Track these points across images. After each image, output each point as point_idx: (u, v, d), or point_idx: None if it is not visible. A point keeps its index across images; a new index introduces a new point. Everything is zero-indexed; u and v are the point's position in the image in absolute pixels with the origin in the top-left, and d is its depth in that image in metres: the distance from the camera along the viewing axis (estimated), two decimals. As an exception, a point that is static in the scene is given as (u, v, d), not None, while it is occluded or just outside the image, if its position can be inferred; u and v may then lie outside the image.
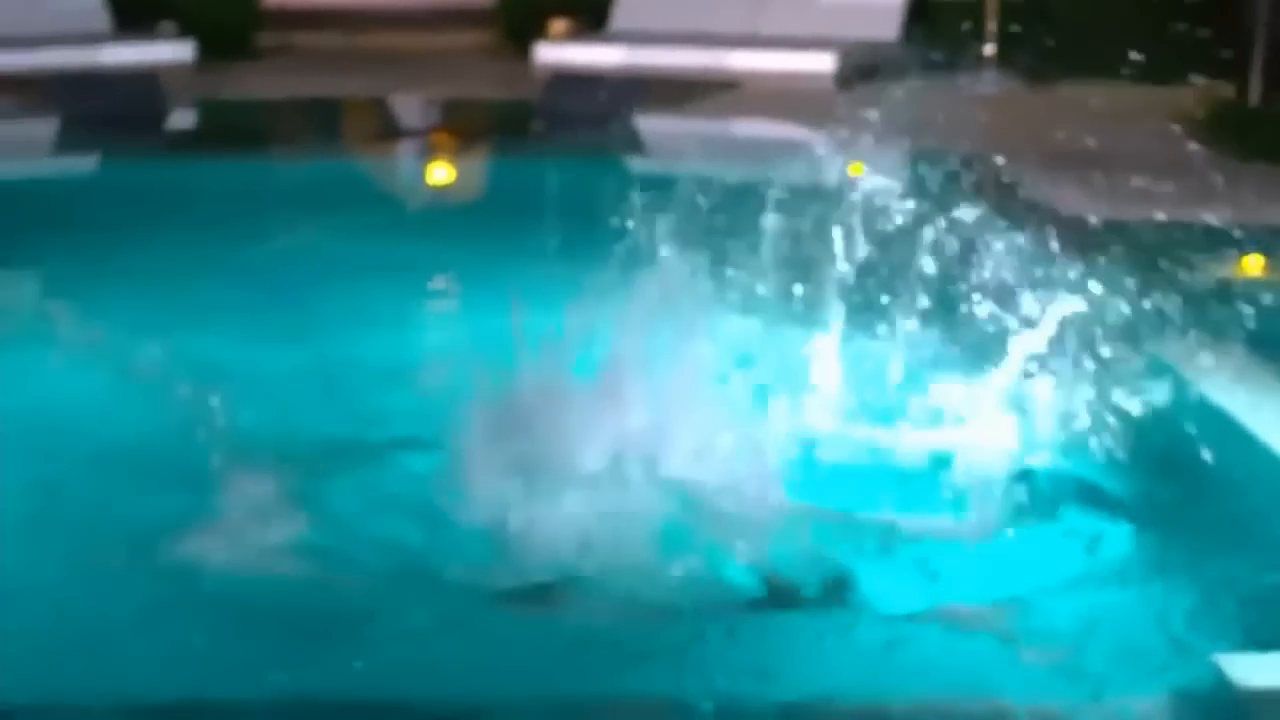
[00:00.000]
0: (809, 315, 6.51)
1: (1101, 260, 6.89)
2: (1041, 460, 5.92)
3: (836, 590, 5.19)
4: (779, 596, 5.14)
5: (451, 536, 5.40)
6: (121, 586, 5.20)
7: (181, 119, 13.06)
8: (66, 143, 11.91)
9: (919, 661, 4.86)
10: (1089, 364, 6.13)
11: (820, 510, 5.65)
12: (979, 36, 13.65)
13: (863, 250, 6.53)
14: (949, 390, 6.25)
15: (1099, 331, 6.17)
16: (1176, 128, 10.51)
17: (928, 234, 6.57)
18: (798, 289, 6.51)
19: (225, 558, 5.26)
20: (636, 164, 10.93)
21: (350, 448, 6.19)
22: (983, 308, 6.34)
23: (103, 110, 12.08)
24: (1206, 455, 5.74)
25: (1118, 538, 5.58)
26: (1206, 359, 6.51)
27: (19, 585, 5.15)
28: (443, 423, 5.82)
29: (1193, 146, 9.87)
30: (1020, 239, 6.52)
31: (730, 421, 5.82)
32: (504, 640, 4.95)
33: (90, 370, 6.97)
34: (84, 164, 11.67)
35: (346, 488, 5.89)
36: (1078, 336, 6.16)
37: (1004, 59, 13.32)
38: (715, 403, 5.89)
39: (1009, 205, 8.87)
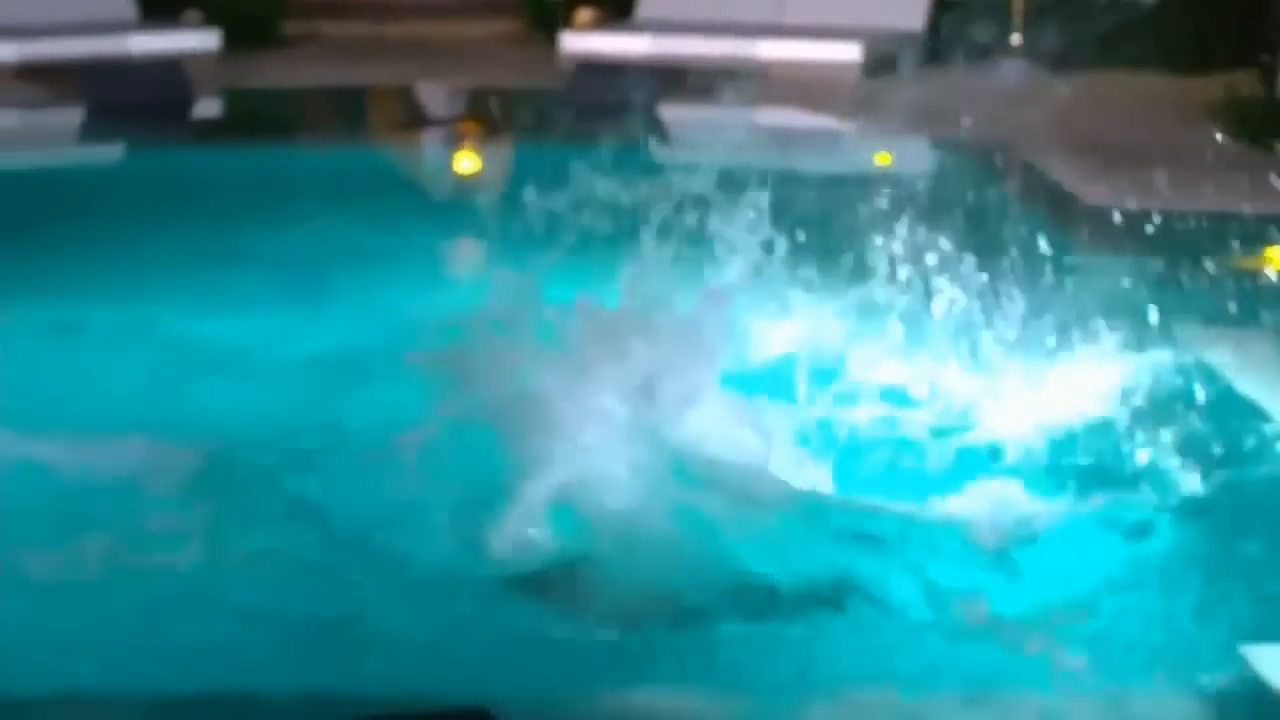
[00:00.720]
0: (832, 300, 6.52)
1: (1126, 250, 6.92)
2: (1060, 449, 5.91)
3: (852, 582, 5.18)
4: (792, 589, 5.12)
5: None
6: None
7: (207, 108, 13.09)
8: (93, 131, 11.95)
9: (948, 653, 4.86)
10: (1109, 353, 6.14)
11: (837, 499, 5.65)
12: (1005, 26, 13.65)
13: (884, 236, 6.55)
14: (972, 376, 6.26)
15: (1117, 321, 6.18)
16: (1202, 119, 10.50)
17: (952, 221, 6.58)
18: (823, 274, 6.53)
19: (227, 541, 5.30)
20: (664, 152, 10.93)
21: (362, 435, 6.19)
22: (1009, 297, 6.34)
23: (129, 99, 12.11)
24: (1228, 443, 5.75)
25: (1146, 530, 5.57)
26: (1230, 346, 6.52)
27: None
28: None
29: (1218, 137, 9.86)
30: (1046, 229, 6.53)
31: (752, 406, 5.83)
32: (507, 633, 4.96)
33: (119, 353, 7.02)
34: (110, 152, 11.71)
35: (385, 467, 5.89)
36: (1093, 328, 6.17)
37: (1030, 48, 13.31)
38: (740, 388, 5.90)
39: (1034, 195, 8.88)
